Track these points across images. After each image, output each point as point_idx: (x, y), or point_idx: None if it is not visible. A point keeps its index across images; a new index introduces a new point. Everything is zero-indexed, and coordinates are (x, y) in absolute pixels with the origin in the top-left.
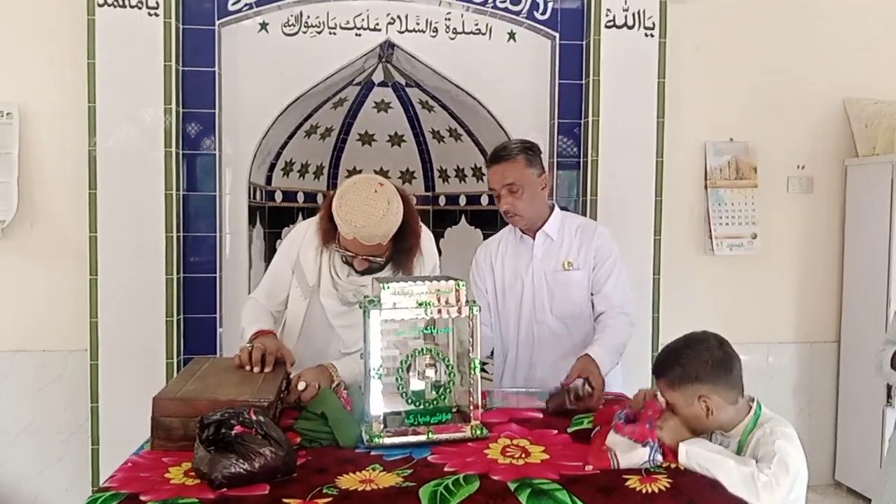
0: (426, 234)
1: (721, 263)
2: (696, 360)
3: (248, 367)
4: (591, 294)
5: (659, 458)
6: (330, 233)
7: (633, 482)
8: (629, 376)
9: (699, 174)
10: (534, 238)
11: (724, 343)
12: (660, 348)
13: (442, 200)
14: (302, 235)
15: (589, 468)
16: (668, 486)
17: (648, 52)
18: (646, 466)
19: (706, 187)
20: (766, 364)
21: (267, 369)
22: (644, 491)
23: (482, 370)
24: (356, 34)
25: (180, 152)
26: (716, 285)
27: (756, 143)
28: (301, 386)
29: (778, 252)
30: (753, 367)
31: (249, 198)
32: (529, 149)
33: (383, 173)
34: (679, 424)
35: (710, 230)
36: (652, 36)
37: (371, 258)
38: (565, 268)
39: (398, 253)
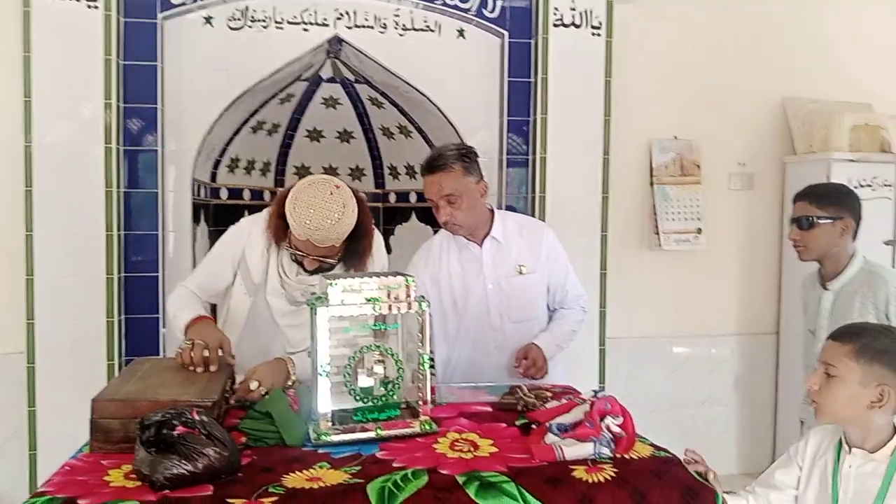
0: (376, 236)
1: (666, 258)
2: None
3: (191, 368)
4: (549, 294)
5: (605, 451)
6: (281, 231)
7: (579, 472)
8: (574, 370)
9: (645, 171)
10: (480, 244)
11: None
12: (606, 343)
13: (392, 198)
14: (247, 232)
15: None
16: (613, 475)
17: (595, 51)
18: (592, 458)
19: (652, 184)
20: (710, 355)
21: (212, 368)
22: (590, 481)
23: (430, 366)
24: (303, 29)
25: (121, 148)
26: (661, 280)
27: (699, 141)
28: (253, 385)
29: (721, 247)
30: (697, 358)
31: (193, 195)
32: (466, 156)
33: (332, 170)
34: None
35: (657, 226)
36: (599, 35)
37: (322, 259)
38: (520, 272)
39: (350, 255)
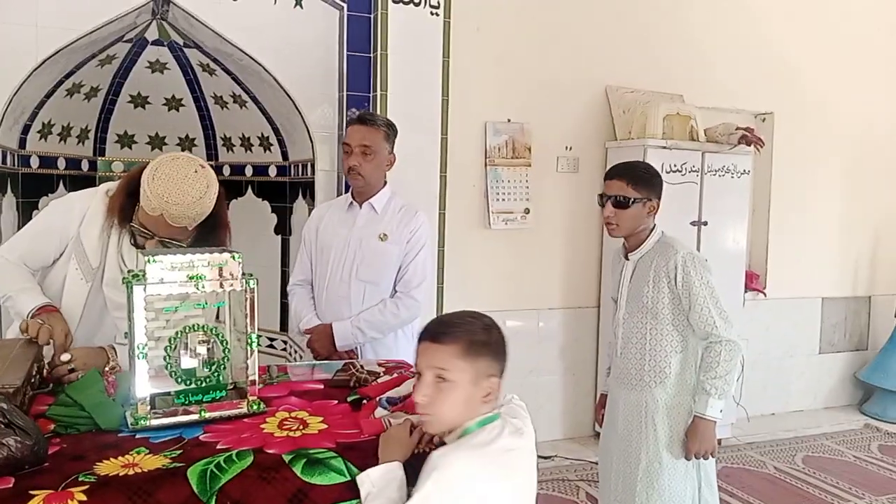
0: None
1: (498, 237)
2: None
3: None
4: (399, 271)
5: None
6: (126, 210)
7: None
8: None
9: (480, 152)
10: (360, 208)
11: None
12: None
13: (226, 170)
14: (81, 210)
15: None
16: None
17: (434, 31)
18: None
19: (486, 165)
20: (537, 328)
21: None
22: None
23: (271, 345)
24: None
25: None
26: (493, 257)
27: (531, 125)
28: (65, 357)
29: (547, 226)
30: (526, 331)
31: None
32: (392, 127)
33: (160, 139)
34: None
35: (489, 206)
36: (437, 14)
37: (169, 240)
38: (381, 238)
39: (201, 244)
